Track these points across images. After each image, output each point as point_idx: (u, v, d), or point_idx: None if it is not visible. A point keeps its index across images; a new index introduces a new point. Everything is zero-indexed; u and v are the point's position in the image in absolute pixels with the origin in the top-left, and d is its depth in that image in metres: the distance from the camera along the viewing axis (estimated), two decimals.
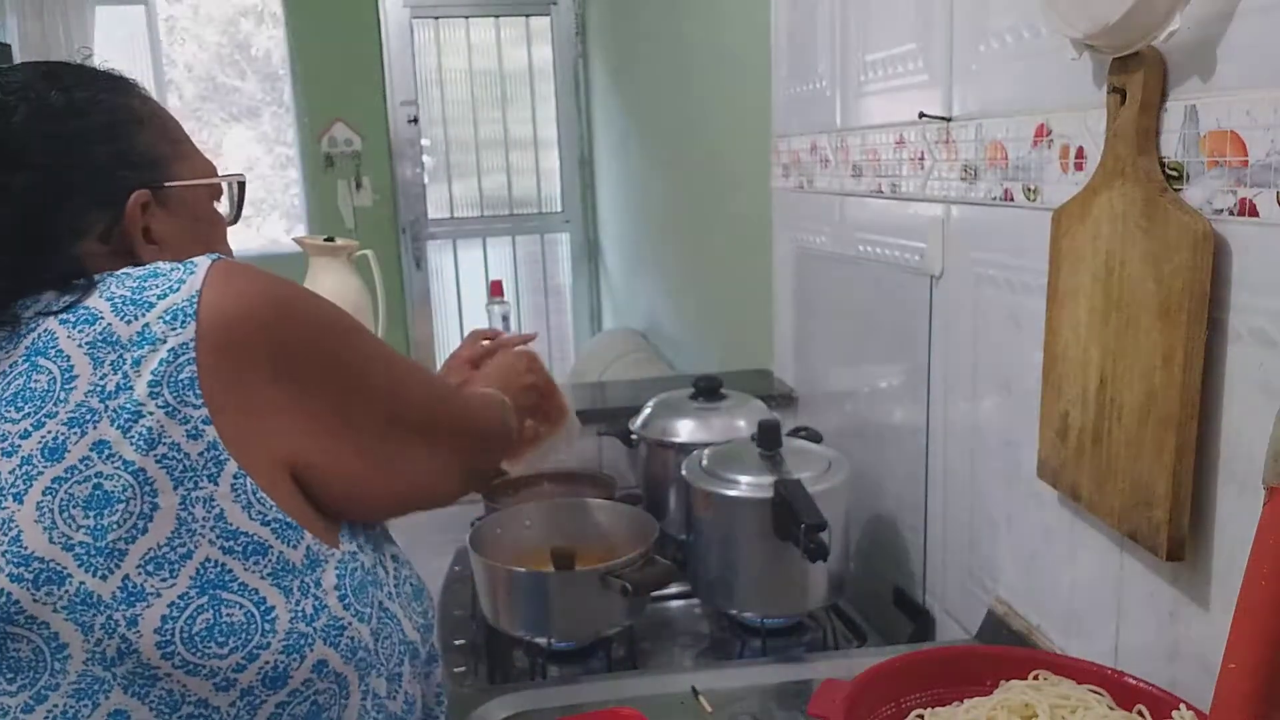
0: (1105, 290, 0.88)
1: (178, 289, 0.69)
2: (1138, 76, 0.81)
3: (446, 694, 0.90)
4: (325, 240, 1.76)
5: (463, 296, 4.60)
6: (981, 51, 1.09)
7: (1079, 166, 0.93)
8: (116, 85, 0.82)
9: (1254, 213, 0.73)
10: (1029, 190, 1.02)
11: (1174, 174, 0.81)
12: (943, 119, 1.18)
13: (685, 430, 1.51)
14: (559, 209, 4.67)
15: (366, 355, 0.78)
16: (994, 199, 1.09)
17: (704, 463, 1.32)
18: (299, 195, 4.49)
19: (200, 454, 0.67)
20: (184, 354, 0.67)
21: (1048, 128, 0.98)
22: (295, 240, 1.82)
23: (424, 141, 4.45)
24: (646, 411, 1.58)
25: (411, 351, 4.45)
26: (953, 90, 1.17)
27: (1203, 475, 0.80)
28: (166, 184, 0.81)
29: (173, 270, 0.70)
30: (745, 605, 1.29)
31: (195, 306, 0.68)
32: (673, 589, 1.39)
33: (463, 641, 1.34)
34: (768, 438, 1.30)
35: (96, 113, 0.78)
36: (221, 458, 0.67)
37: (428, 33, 4.40)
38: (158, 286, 0.69)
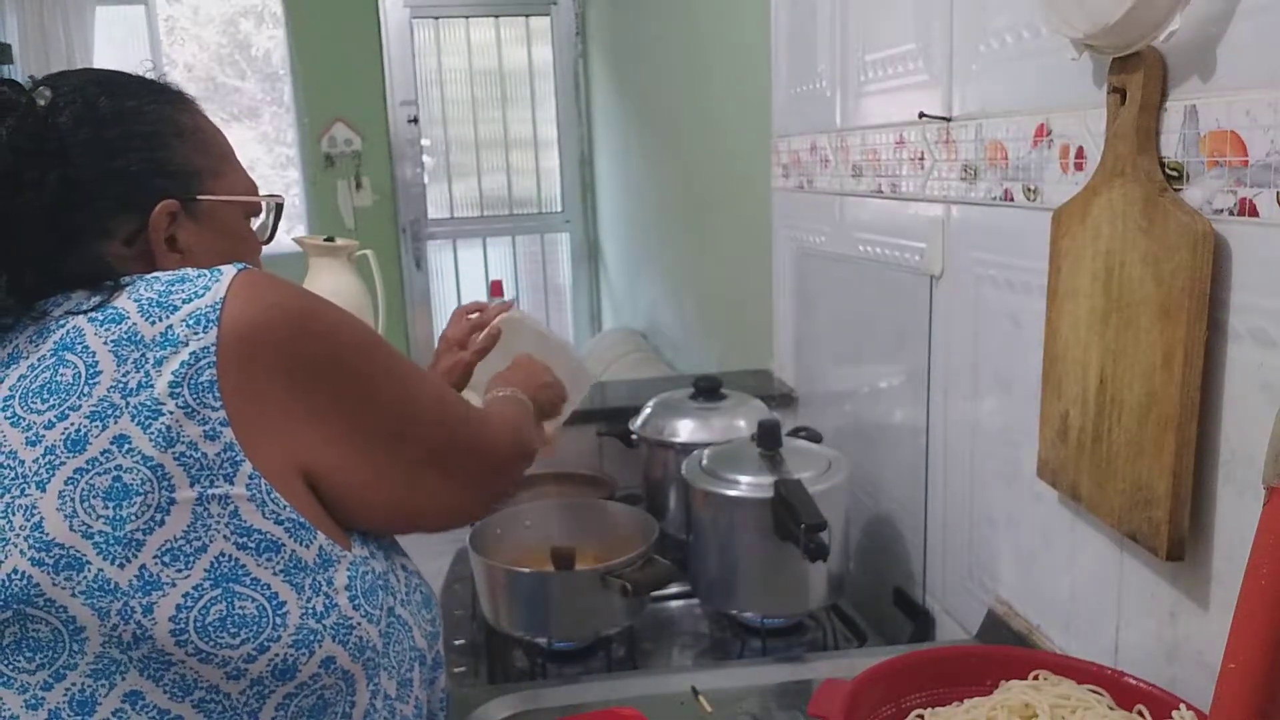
0: (1105, 290, 0.88)
1: (202, 294, 0.71)
2: (1138, 76, 0.81)
3: (449, 698, 0.91)
4: (325, 240, 1.76)
5: (463, 296, 4.60)
6: (981, 51, 1.09)
7: (1079, 166, 0.93)
8: (167, 98, 0.85)
9: (1254, 213, 0.73)
10: (1029, 190, 1.02)
11: (1174, 174, 0.81)
12: (943, 119, 1.18)
13: (685, 430, 1.51)
14: (559, 209, 4.67)
15: (384, 371, 0.79)
16: (994, 199, 1.09)
17: (704, 463, 1.32)
18: (299, 195, 4.49)
19: (217, 454, 0.69)
20: (204, 357, 0.69)
21: (1048, 128, 0.98)
22: (295, 240, 1.82)
23: (424, 141, 4.45)
24: (646, 411, 1.58)
25: (411, 352, 4.45)
26: (953, 90, 1.17)
27: (1203, 475, 0.80)
28: (198, 197, 0.84)
29: (199, 276, 0.72)
30: (745, 605, 1.29)
31: (218, 313, 0.70)
32: (673, 589, 1.39)
33: (463, 641, 1.34)
34: (768, 438, 1.30)
35: (140, 122, 0.81)
36: (238, 459, 0.69)
37: (428, 33, 4.41)
38: (183, 291, 0.71)
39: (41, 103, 0.77)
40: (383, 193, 4.40)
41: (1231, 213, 0.75)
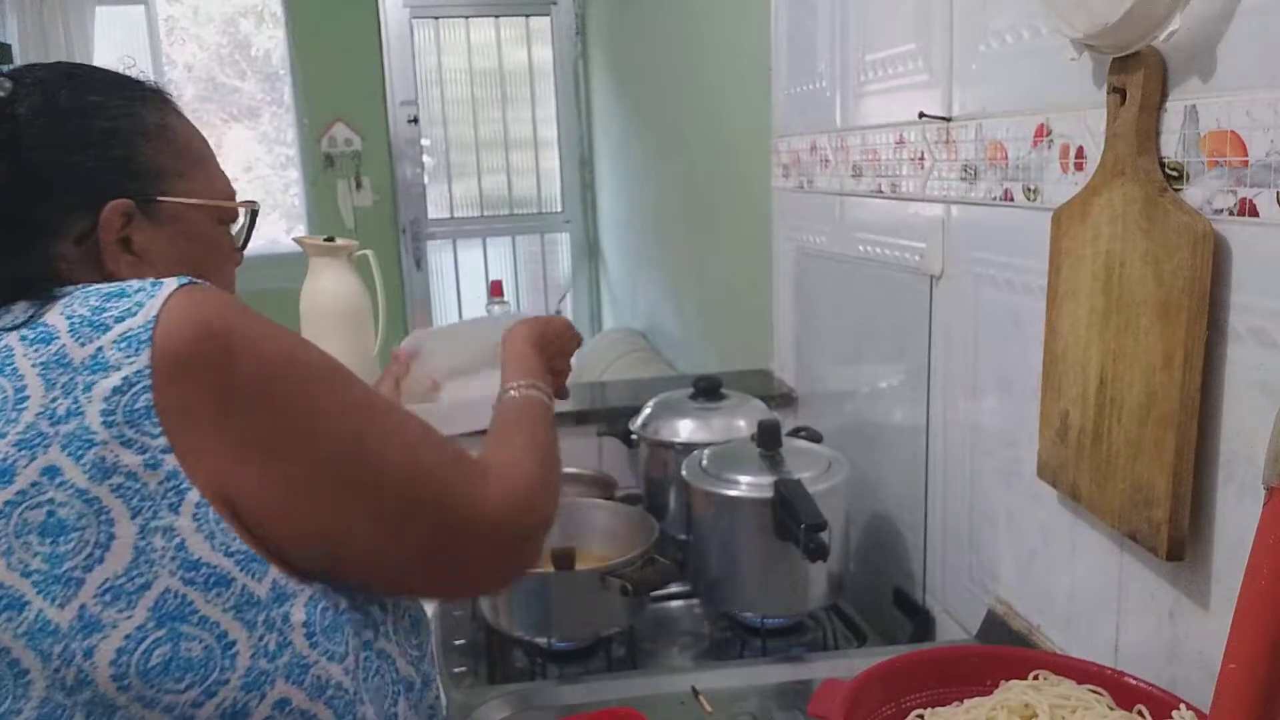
0: (1105, 290, 0.88)
1: (135, 313, 0.66)
2: (1138, 76, 0.82)
3: (441, 711, 0.87)
4: (325, 240, 1.76)
5: (463, 296, 4.60)
6: (981, 51, 1.09)
7: (1079, 166, 0.93)
8: (137, 94, 0.81)
9: (1254, 213, 0.73)
10: (1029, 190, 1.02)
11: (1174, 174, 0.81)
12: (943, 119, 1.18)
13: (685, 430, 1.51)
14: (559, 209, 4.66)
15: (335, 406, 0.72)
16: (994, 199, 1.09)
17: (704, 463, 1.32)
18: (299, 195, 4.49)
19: (159, 483, 0.65)
20: (138, 382, 0.65)
21: (1048, 128, 0.98)
22: (295, 240, 1.81)
23: (424, 141, 4.45)
24: (646, 411, 1.58)
25: None
26: (953, 90, 1.17)
27: (1203, 475, 0.80)
28: (158, 198, 0.79)
29: (138, 291, 0.68)
30: (745, 605, 1.29)
31: (150, 333, 0.65)
32: (673, 589, 1.39)
33: (463, 641, 1.34)
34: (768, 438, 1.30)
35: (101, 117, 0.78)
36: (182, 487, 0.65)
37: (428, 33, 4.40)
38: (117, 308, 0.67)
39: (0, 94, 0.74)
40: (383, 193, 4.40)
41: (1231, 213, 0.75)
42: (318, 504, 0.70)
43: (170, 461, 0.65)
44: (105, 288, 0.69)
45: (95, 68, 0.81)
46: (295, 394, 0.70)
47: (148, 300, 0.67)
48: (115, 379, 0.64)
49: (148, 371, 0.65)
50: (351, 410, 0.73)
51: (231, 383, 0.67)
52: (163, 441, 0.65)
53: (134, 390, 0.64)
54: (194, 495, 0.66)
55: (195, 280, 0.70)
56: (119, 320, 0.66)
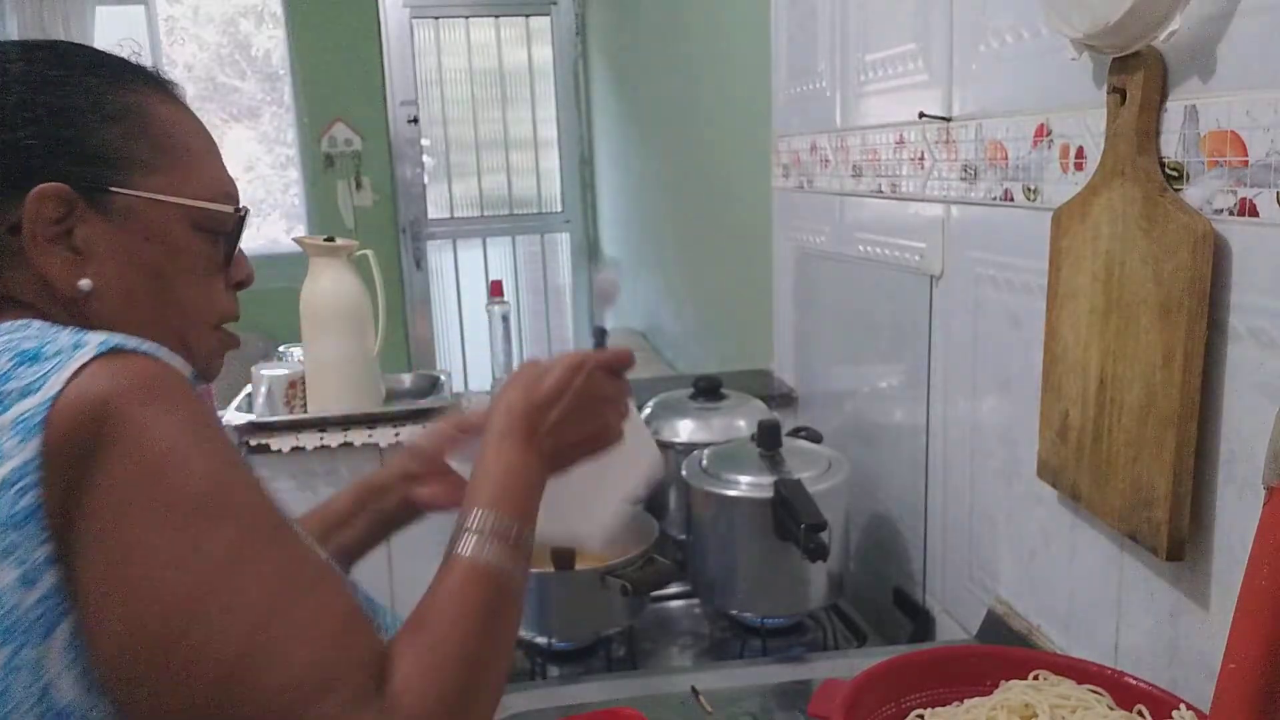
0: (1105, 290, 0.88)
1: (39, 388, 0.55)
2: (1138, 76, 0.82)
3: None
4: (325, 240, 1.76)
5: (463, 296, 4.60)
6: (981, 51, 1.09)
7: (1079, 166, 0.93)
8: (111, 75, 0.70)
9: (1254, 213, 0.73)
10: (1029, 190, 1.02)
11: (1174, 174, 0.81)
12: (943, 119, 1.18)
13: (685, 430, 1.51)
14: (559, 209, 4.67)
15: (173, 548, 0.56)
16: (994, 199, 1.09)
17: (704, 463, 1.32)
18: (299, 195, 4.49)
19: (33, 604, 0.54)
20: (26, 476, 0.54)
21: (1048, 128, 0.98)
22: (295, 240, 1.82)
23: (424, 141, 4.45)
24: (646, 411, 1.58)
25: (412, 352, 4.43)
26: (953, 90, 1.17)
27: (1203, 475, 0.80)
28: (110, 188, 0.67)
29: (55, 355, 0.57)
30: (745, 605, 1.29)
31: (46, 414, 0.55)
32: (673, 589, 1.39)
33: None
34: (768, 438, 1.30)
35: (53, 94, 0.67)
36: (59, 609, 0.55)
37: (428, 33, 4.40)
38: (25, 378, 0.56)
39: None
40: (383, 193, 4.40)
41: (1231, 213, 0.75)
42: (120, 669, 0.56)
43: (51, 577, 0.54)
44: (24, 343, 0.59)
45: (74, 45, 0.72)
46: (134, 518, 0.56)
47: (55, 373, 0.56)
48: (3, 471, 0.54)
49: (36, 463, 0.54)
50: (201, 566, 0.56)
51: (92, 479, 0.56)
52: (46, 550, 0.54)
53: (18, 487, 0.54)
54: (68, 624, 0.55)
55: (124, 345, 0.59)
56: (22, 396, 0.55)
